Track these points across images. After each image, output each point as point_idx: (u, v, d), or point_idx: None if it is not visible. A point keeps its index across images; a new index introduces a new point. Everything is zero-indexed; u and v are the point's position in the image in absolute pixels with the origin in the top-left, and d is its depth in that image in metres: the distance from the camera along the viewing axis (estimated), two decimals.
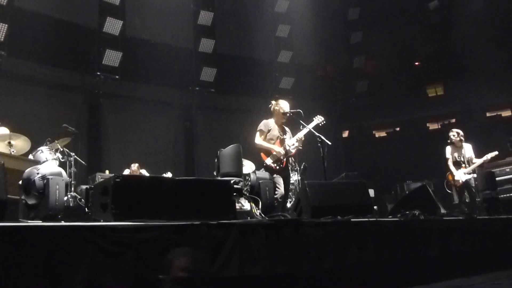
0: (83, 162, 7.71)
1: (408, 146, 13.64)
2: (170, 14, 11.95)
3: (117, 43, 10.69)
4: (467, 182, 7.45)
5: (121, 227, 2.65)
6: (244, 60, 13.39)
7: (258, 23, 13.54)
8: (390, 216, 4.91)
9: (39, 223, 2.98)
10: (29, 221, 3.26)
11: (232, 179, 4.05)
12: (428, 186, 6.37)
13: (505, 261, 4.81)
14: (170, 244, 2.72)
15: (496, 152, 7.59)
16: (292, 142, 5.75)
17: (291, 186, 7.28)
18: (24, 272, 2.24)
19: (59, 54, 10.32)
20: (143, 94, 11.82)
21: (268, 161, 5.65)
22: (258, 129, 5.81)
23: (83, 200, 6.15)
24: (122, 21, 10.69)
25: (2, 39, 9.08)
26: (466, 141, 7.64)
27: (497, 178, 7.90)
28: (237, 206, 5.66)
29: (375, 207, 6.52)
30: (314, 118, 5.92)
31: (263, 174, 5.08)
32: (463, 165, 7.48)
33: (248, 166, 7.52)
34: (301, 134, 5.69)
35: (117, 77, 10.77)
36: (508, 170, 8.90)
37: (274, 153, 5.64)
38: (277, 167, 5.62)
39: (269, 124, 5.83)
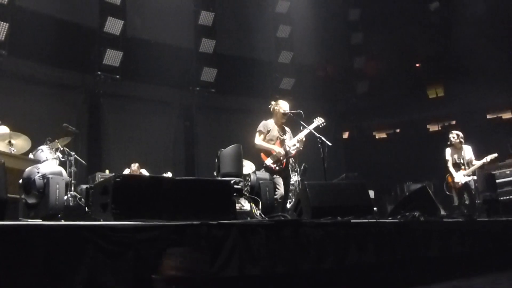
0: (83, 162, 7.71)
1: (408, 147, 13.63)
2: (170, 14, 11.95)
3: (117, 43, 10.69)
4: (466, 184, 7.44)
5: (121, 227, 2.65)
6: (245, 60, 13.39)
7: (259, 23, 13.54)
8: (390, 217, 4.92)
9: (39, 222, 2.98)
10: (29, 220, 3.26)
11: (232, 179, 4.05)
12: (428, 187, 6.38)
13: (505, 262, 4.81)
14: (170, 244, 2.72)
15: (496, 154, 7.58)
16: (292, 143, 5.75)
17: (291, 187, 7.27)
18: (24, 271, 2.24)
19: (60, 54, 10.32)
20: (143, 94, 11.82)
21: (268, 161, 5.65)
22: (257, 129, 5.81)
23: (83, 199, 6.15)
24: (122, 21, 10.69)
25: (2, 39, 9.08)
26: (466, 143, 7.63)
27: (497, 180, 7.92)
28: (237, 206, 5.66)
29: (375, 208, 6.51)
30: (314, 120, 5.92)
31: (263, 174, 5.08)
32: (463, 167, 7.47)
33: (248, 167, 7.51)
34: (301, 135, 5.69)
35: (117, 77, 10.76)
36: (508, 172, 8.91)
37: (274, 153, 5.64)
38: (277, 168, 5.61)
39: (269, 124, 5.83)
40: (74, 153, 7.31)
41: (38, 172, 4.13)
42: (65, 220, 3.52)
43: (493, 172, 8.26)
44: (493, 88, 12.66)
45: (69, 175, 6.89)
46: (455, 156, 7.56)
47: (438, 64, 14.22)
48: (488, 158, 7.48)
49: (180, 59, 12.22)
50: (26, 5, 9.98)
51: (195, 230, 2.87)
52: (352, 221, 3.84)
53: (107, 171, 8.61)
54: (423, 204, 4.98)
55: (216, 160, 4.80)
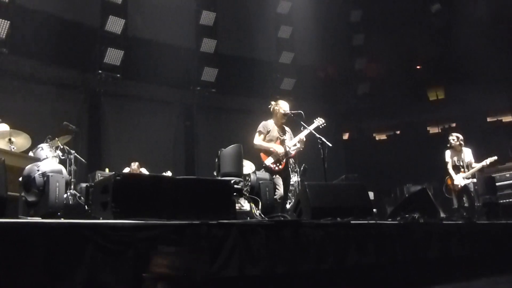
0: (83, 160, 7.70)
1: (408, 149, 13.63)
2: (172, 13, 11.95)
3: (118, 42, 10.68)
4: (466, 187, 7.42)
5: (121, 226, 2.64)
6: (246, 60, 13.40)
7: (260, 23, 13.54)
8: (390, 219, 4.91)
9: (39, 220, 2.98)
10: (29, 218, 3.26)
11: (233, 179, 4.05)
12: (428, 189, 6.37)
13: (504, 265, 4.81)
14: (170, 243, 2.71)
15: (496, 157, 7.57)
16: (293, 143, 5.74)
17: (291, 187, 7.27)
18: (24, 269, 2.24)
19: (61, 52, 10.31)
20: (144, 93, 11.82)
21: (268, 161, 5.64)
22: (257, 130, 5.81)
23: (82, 198, 6.14)
24: (124, 20, 10.69)
25: (3, 37, 9.07)
26: (466, 145, 7.63)
27: (497, 183, 7.91)
28: (237, 206, 5.65)
29: (374, 209, 6.50)
30: (314, 120, 5.91)
31: (263, 174, 5.08)
32: (462, 169, 7.46)
33: (248, 167, 7.51)
34: (302, 135, 5.69)
35: (118, 76, 10.76)
36: (508, 175, 8.91)
37: (274, 152, 5.63)
38: (276, 168, 5.61)
39: (268, 125, 5.82)
40: (74, 151, 7.29)
41: (38, 170, 4.13)
42: (65, 219, 3.51)
43: (493, 175, 8.25)
44: (494, 90, 12.67)
45: (69, 173, 6.88)
46: (455, 159, 7.54)
47: (439, 66, 14.23)
48: (488, 160, 7.47)
49: (181, 58, 12.21)
50: (27, 4, 9.98)
51: (195, 230, 2.87)
52: (352, 222, 3.83)
53: (107, 170, 8.60)
54: (423, 206, 4.97)
55: (217, 160, 4.80)
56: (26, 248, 2.26)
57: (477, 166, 7.44)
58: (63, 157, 6.86)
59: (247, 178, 5.65)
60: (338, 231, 3.63)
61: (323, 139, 5.36)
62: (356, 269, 3.64)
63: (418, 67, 15.53)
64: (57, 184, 4.07)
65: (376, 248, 3.79)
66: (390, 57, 14.44)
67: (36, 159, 5.77)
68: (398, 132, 15.28)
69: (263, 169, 5.62)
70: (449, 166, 7.56)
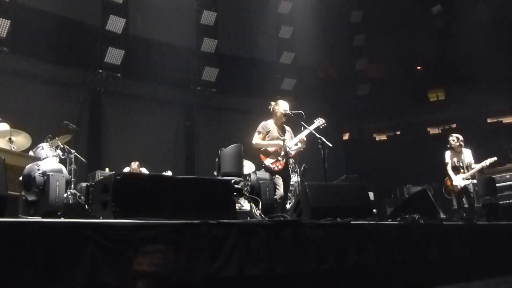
0: (83, 160, 7.70)
1: (408, 150, 13.64)
2: (172, 13, 11.95)
3: (119, 41, 10.70)
4: (465, 188, 7.41)
5: (121, 225, 2.64)
6: (246, 60, 13.41)
7: (261, 24, 13.55)
8: (390, 219, 4.91)
9: (39, 219, 2.97)
10: (29, 218, 3.25)
11: (233, 179, 4.04)
12: (428, 190, 6.36)
13: (504, 266, 4.81)
14: (170, 243, 2.71)
15: (495, 158, 7.56)
16: (293, 143, 5.73)
17: (291, 187, 7.27)
18: (24, 268, 2.23)
19: (61, 51, 10.33)
20: (144, 92, 11.83)
21: (267, 161, 5.64)
22: (256, 130, 5.81)
23: (82, 197, 6.14)
24: (125, 19, 10.70)
25: (4, 36, 9.08)
26: (466, 146, 7.62)
27: (497, 184, 7.90)
28: (236, 206, 5.65)
29: (374, 210, 6.50)
30: (315, 120, 5.91)
31: (263, 174, 5.07)
32: (462, 170, 7.46)
33: (248, 167, 7.51)
34: (302, 136, 5.68)
35: (119, 75, 10.77)
36: (508, 176, 8.91)
37: (273, 152, 5.62)
38: (276, 168, 5.60)
39: (268, 125, 5.81)
40: (74, 151, 7.30)
41: (38, 169, 4.12)
42: (65, 218, 3.51)
43: (493, 176, 8.24)
44: (494, 92, 12.66)
45: (69, 173, 6.88)
46: (455, 160, 7.53)
47: (439, 66, 14.25)
48: (488, 161, 7.46)
49: (182, 58, 12.23)
50: (28, 3, 9.99)
51: (195, 230, 2.87)
52: (352, 222, 3.83)
53: (107, 169, 8.60)
54: (423, 206, 4.96)
55: (217, 160, 4.79)
56: (26, 248, 2.26)
57: (476, 167, 7.43)
58: (63, 157, 6.86)
59: (247, 178, 5.64)
60: (338, 231, 3.63)
61: (324, 139, 5.36)
62: (356, 270, 3.64)
63: (418, 67, 15.53)
64: (57, 183, 4.06)
65: (376, 249, 3.79)
66: (391, 58, 14.45)
67: (36, 159, 5.77)
68: (398, 132, 15.28)
69: (263, 169, 5.62)
70: (449, 167, 7.56)
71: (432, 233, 4.32)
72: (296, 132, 5.87)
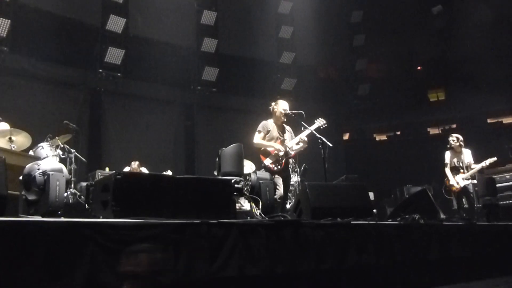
0: (83, 159, 7.70)
1: (408, 150, 13.65)
2: (173, 13, 11.96)
3: (119, 41, 10.70)
4: (465, 188, 7.41)
5: (122, 225, 2.64)
6: (246, 60, 13.41)
7: (261, 23, 13.55)
8: (390, 219, 4.91)
9: (39, 219, 2.97)
10: (29, 217, 3.25)
11: (233, 179, 4.04)
12: (428, 190, 6.36)
13: (504, 267, 4.81)
14: (170, 242, 2.71)
15: (495, 158, 7.56)
16: (293, 143, 5.73)
17: (291, 187, 7.26)
18: (24, 267, 2.23)
19: (61, 51, 10.34)
20: (144, 92, 11.83)
21: (267, 161, 5.63)
22: (257, 130, 5.80)
23: (82, 197, 6.14)
24: (125, 19, 10.70)
25: (4, 35, 9.09)
26: (466, 146, 7.61)
27: (497, 185, 7.90)
28: (237, 206, 5.65)
29: (374, 210, 6.50)
30: (316, 121, 5.90)
31: (263, 174, 5.06)
32: (462, 170, 7.45)
33: (248, 167, 7.51)
34: (302, 136, 5.68)
35: (119, 74, 10.77)
36: (508, 177, 8.90)
37: (273, 152, 5.62)
38: (275, 168, 5.60)
39: (268, 125, 5.80)
40: (74, 150, 7.30)
41: (38, 169, 4.11)
42: (65, 217, 3.51)
43: (493, 177, 8.24)
44: (494, 92, 12.67)
45: (69, 172, 6.88)
46: (455, 160, 7.53)
47: (439, 67, 14.26)
48: (487, 161, 7.45)
49: (182, 58, 12.23)
50: (28, 2, 10.00)
51: (195, 229, 2.87)
52: (352, 222, 3.83)
53: (107, 169, 8.61)
54: (423, 206, 4.96)
55: (217, 159, 4.79)
56: (26, 247, 2.26)
57: (476, 167, 7.43)
58: (63, 156, 6.86)
59: (247, 178, 5.64)
60: (338, 231, 3.63)
61: (324, 139, 5.36)
62: (356, 270, 3.64)
63: (418, 68, 15.54)
64: (58, 182, 4.06)
65: (376, 249, 3.78)
66: (391, 58, 14.46)
67: (37, 158, 5.76)
68: (398, 132, 15.29)
69: (263, 169, 5.61)
70: (447, 168, 7.56)
71: (432, 233, 4.32)
72: (297, 132, 5.86)
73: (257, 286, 3.11)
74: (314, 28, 13.52)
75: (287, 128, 5.93)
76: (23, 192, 4.19)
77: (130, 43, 11.11)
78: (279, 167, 5.61)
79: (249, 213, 5.10)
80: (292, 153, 5.74)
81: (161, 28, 11.83)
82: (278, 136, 5.77)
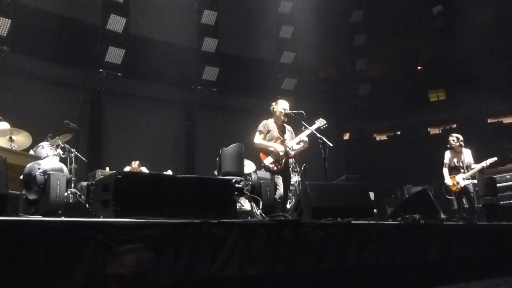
0: (84, 159, 7.71)
1: (408, 150, 13.66)
2: (173, 12, 11.97)
3: (120, 40, 10.71)
4: (466, 188, 7.41)
5: (122, 224, 2.64)
6: (247, 60, 13.42)
7: (262, 23, 13.56)
8: (390, 219, 4.90)
9: (39, 218, 2.97)
10: (29, 216, 3.25)
11: (234, 178, 4.03)
12: (428, 190, 6.35)
13: (504, 267, 4.81)
14: (171, 242, 2.71)
15: (495, 158, 7.55)
16: (293, 143, 5.73)
17: (291, 187, 7.26)
18: (24, 267, 2.23)
19: (62, 51, 10.34)
20: (145, 92, 11.83)
21: (267, 161, 5.63)
22: (257, 129, 5.80)
23: (83, 196, 6.15)
24: (125, 19, 10.71)
25: (5, 35, 9.09)
26: (466, 146, 7.61)
27: (497, 185, 7.89)
28: (237, 205, 5.64)
29: (375, 210, 6.50)
30: (316, 121, 5.89)
31: (264, 174, 5.06)
32: (462, 170, 7.45)
33: (248, 166, 7.51)
34: (303, 136, 5.67)
35: (119, 74, 10.78)
36: (508, 177, 8.90)
37: (273, 152, 5.63)
38: (275, 168, 5.60)
39: (269, 125, 5.80)
40: (74, 150, 7.31)
41: (39, 168, 4.11)
42: (65, 217, 3.51)
43: (493, 177, 8.23)
44: (495, 92, 12.68)
45: (70, 172, 6.88)
46: (455, 160, 7.52)
47: (439, 67, 14.26)
48: (488, 161, 7.45)
49: (182, 57, 12.24)
50: (29, 2, 10.01)
51: (196, 229, 2.87)
52: (352, 222, 3.83)
53: (107, 169, 8.62)
54: (424, 206, 4.96)
55: (218, 159, 4.79)
56: (26, 247, 2.26)
57: (477, 167, 7.42)
58: (63, 156, 6.87)
59: (248, 178, 5.64)
60: (339, 231, 3.63)
61: (324, 139, 5.35)
62: (356, 270, 3.64)
63: (419, 68, 15.54)
64: (58, 182, 4.05)
65: (376, 249, 3.78)
66: (391, 58, 14.46)
67: (37, 157, 5.76)
68: (398, 132, 15.29)
69: (263, 169, 5.61)
70: (445, 167, 7.56)
71: (433, 233, 4.32)
72: (297, 132, 5.86)
73: (257, 286, 3.10)
74: (315, 28, 13.53)
75: (288, 128, 5.92)
76: (23, 192, 4.19)
77: (131, 42, 11.11)
78: (279, 166, 5.61)
79: (250, 213, 5.10)
80: (292, 153, 5.74)
81: (162, 28, 11.83)
82: (279, 136, 5.76)
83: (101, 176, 7.27)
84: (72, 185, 6.82)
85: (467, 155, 7.53)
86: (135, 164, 8.70)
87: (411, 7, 14.10)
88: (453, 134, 7.72)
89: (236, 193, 3.95)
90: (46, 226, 2.40)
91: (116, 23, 10.55)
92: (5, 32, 9.05)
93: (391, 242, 3.94)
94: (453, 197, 7.63)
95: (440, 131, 14.48)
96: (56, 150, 6.56)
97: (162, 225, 2.76)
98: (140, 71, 11.48)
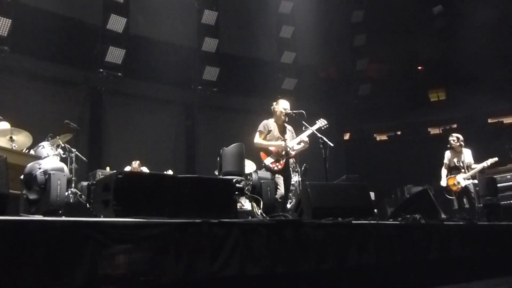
0: (84, 159, 7.70)
1: (408, 150, 13.65)
2: (174, 12, 11.96)
3: (120, 40, 10.71)
4: (466, 188, 7.41)
5: (123, 224, 2.64)
6: (247, 60, 13.42)
7: (262, 23, 13.56)
8: (391, 219, 4.90)
9: (40, 218, 2.97)
10: (30, 216, 3.26)
11: (234, 178, 4.04)
12: (429, 190, 6.35)
13: (505, 267, 4.81)
14: (172, 241, 2.71)
15: (496, 158, 7.55)
16: (294, 143, 5.73)
17: (291, 187, 7.25)
18: (24, 266, 2.23)
19: (62, 50, 10.34)
20: (145, 91, 11.84)
21: (267, 161, 5.63)
22: (258, 129, 5.80)
23: (83, 196, 6.15)
24: (125, 19, 10.71)
25: (5, 35, 9.09)
26: (467, 146, 7.61)
27: (498, 185, 7.89)
28: (238, 205, 5.64)
29: (375, 210, 6.49)
30: (317, 121, 5.89)
31: (264, 174, 5.07)
32: (463, 170, 7.45)
33: (249, 166, 7.50)
34: (304, 136, 5.67)
35: (119, 74, 10.78)
36: (509, 177, 8.91)
37: (274, 151, 5.62)
38: (275, 168, 5.59)
39: (269, 124, 5.80)
40: (75, 149, 7.31)
41: (39, 168, 4.12)
42: (66, 217, 3.51)
43: (494, 177, 8.23)
44: (495, 92, 12.67)
45: (70, 171, 6.88)
46: (455, 160, 7.52)
47: (440, 67, 14.27)
48: (489, 161, 7.45)
49: (183, 57, 12.24)
50: (29, 2, 10.01)
51: (197, 228, 2.87)
52: (353, 222, 3.83)
53: (108, 168, 8.62)
54: (424, 206, 4.96)
55: (218, 159, 4.79)
56: (27, 246, 2.26)
57: (477, 167, 7.43)
58: (64, 155, 6.87)
59: (248, 177, 5.64)
60: (339, 231, 3.63)
61: (325, 139, 5.35)
62: (357, 270, 3.64)
63: (419, 68, 15.54)
64: (59, 182, 4.07)
65: (376, 249, 3.78)
66: (391, 58, 14.46)
67: (37, 157, 5.76)
68: (399, 132, 15.29)
69: (264, 169, 5.61)
70: (443, 168, 7.56)
71: (433, 233, 4.32)
72: (297, 132, 5.86)
73: (258, 286, 3.11)
74: (315, 28, 13.52)
75: (288, 127, 5.92)
76: (24, 191, 4.20)
77: (131, 42, 11.11)
78: (279, 166, 5.61)
79: (250, 212, 5.10)
80: (293, 153, 5.73)
81: (162, 28, 11.83)
82: (279, 136, 5.76)
83: (102, 176, 7.28)
84: (73, 185, 6.82)
85: (467, 155, 7.53)
86: (135, 164, 8.70)
87: (411, 7, 14.09)
88: (454, 134, 7.72)
89: (236, 193, 3.95)
90: (46, 225, 2.40)
91: (117, 23, 10.55)
92: (5, 32, 9.05)
93: (391, 242, 3.94)
94: (453, 197, 7.63)
95: (441, 131, 14.48)
96: (56, 150, 6.56)
97: (162, 225, 2.76)
98: (140, 71, 11.48)
